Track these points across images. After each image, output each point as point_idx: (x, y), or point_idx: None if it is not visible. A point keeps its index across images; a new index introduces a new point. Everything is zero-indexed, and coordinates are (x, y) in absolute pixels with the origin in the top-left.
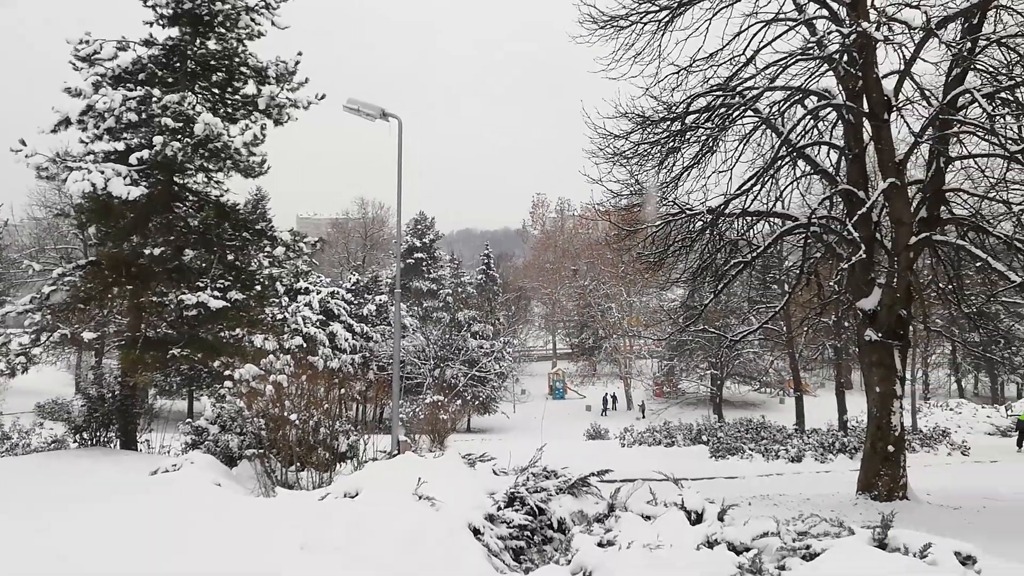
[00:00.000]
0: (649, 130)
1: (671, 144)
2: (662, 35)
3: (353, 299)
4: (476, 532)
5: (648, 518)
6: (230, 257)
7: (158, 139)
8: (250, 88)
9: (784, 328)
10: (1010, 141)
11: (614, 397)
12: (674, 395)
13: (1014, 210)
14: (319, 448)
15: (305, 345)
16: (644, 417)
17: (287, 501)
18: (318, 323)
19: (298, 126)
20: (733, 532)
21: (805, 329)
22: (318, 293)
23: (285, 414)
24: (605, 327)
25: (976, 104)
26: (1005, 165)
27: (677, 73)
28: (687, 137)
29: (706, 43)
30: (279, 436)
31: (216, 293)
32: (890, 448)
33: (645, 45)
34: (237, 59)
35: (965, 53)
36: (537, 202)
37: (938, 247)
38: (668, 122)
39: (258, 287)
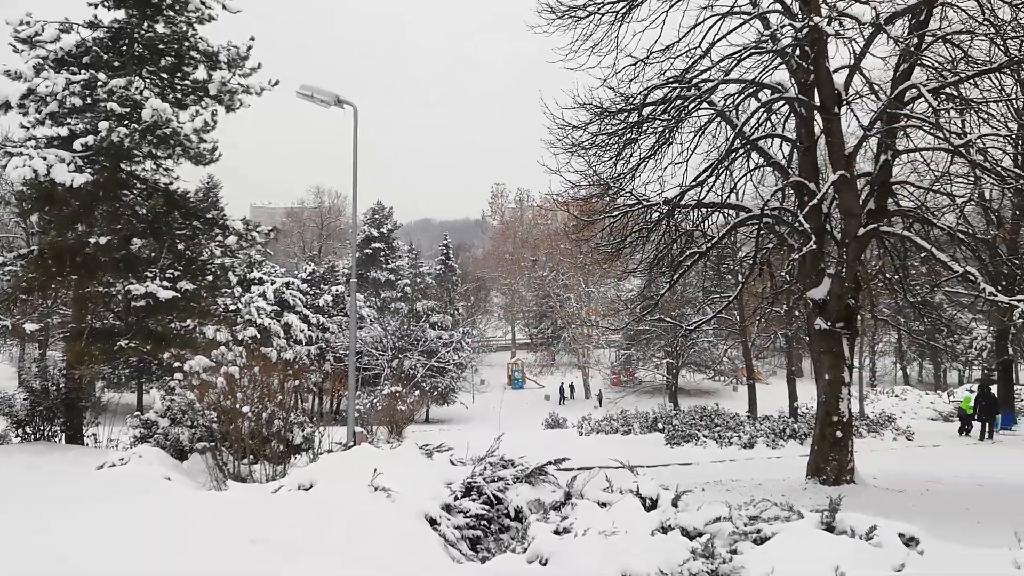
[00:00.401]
0: (607, 121)
1: (628, 135)
2: (619, 26)
3: (309, 289)
4: (433, 522)
5: (604, 505)
6: (180, 246)
7: (104, 124)
8: (200, 73)
9: (737, 317)
10: (954, 135)
11: (572, 387)
12: (631, 384)
13: (957, 203)
14: (273, 440)
15: (259, 336)
16: (601, 406)
17: (237, 495)
18: (273, 314)
19: (253, 113)
20: (687, 518)
21: (758, 318)
22: (272, 283)
23: (238, 406)
24: (564, 317)
25: (922, 99)
26: (949, 159)
27: (634, 65)
28: (644, 129)
29: (663, 35)
30: (231, 428)
31: (165, 283)
32: (838, 434)
33: (603, 36)
34: (187, 43)
35: (912, 49)
36: (496, 192)
37: (885, 238)
38: (625, 113)
39: (209, 277)
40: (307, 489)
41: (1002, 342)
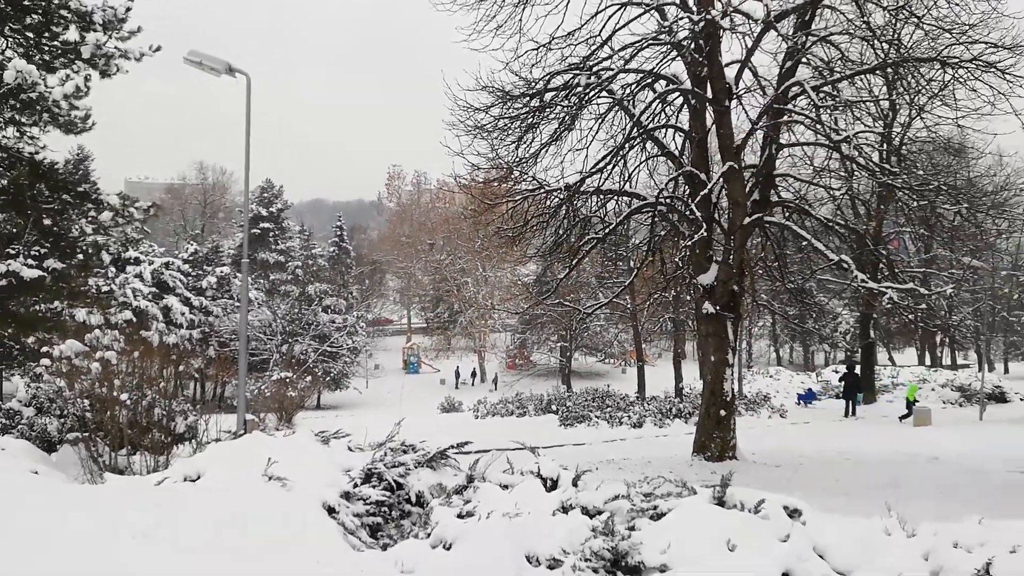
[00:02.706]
0: (509, 105)
1: (530, 120)
2: (523, 9)
3: (191, 270)
4: (331, 511)
5: (506, 487)
6: (47, 222)
7: None
8: (72, 34)
9: (629, 302)
10: (833, 131)
11: (473, 372)
12: (526, 367)
13: (834, 195)
14: (153, 430)
15: (136, 320)
16: (497, 389)
17: (116, 488)
18: (150, 296)
19: (133, 81)
20: (587, 497)
21: (648, 303)
22: (151, 263)
23: (114, 394)
24: (460, 301)
25: (805, 95)
26: (828, 154)
27: (537, 49)
28: (546, 114)
29: (565, 21)
30: (107, 417)
31: (30, 261)
32: (722, 413)
33: (507, 18)
34: (56, 1)
35: (799, 47)
36: (393, 174)
37: (767, 227)
38: (528, 98)
39: (80, 255)
40: (194, 480)
41: (865, 327)
